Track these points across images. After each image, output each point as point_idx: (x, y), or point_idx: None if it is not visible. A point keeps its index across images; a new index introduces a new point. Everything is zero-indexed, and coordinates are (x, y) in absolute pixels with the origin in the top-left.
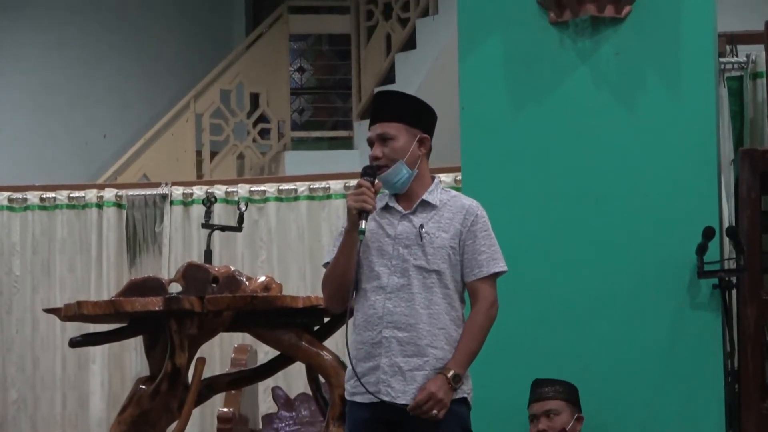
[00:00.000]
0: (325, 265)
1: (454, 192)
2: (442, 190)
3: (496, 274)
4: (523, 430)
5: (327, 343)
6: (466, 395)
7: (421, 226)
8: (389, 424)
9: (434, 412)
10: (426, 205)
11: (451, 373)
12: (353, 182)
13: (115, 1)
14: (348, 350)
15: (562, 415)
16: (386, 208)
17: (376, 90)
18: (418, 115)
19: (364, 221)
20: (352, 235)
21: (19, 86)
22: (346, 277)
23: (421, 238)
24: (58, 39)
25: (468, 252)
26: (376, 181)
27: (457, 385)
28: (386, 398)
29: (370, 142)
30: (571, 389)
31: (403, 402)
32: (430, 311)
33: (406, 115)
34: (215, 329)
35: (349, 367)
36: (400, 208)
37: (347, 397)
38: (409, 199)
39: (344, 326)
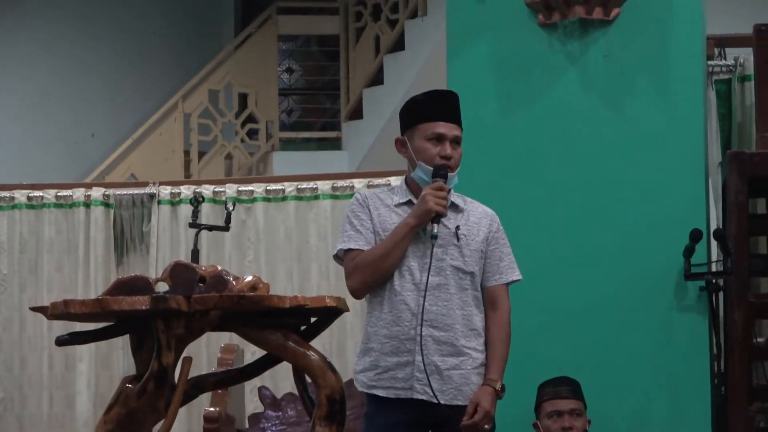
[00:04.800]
0: (342, 251)
1: (467, 197)
2: (456, 194)
3: (512, 282)
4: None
5: (314, 343)
6: None
7: (458, 227)
8: (419, 425)
9: (486, 427)
10: (454, 207)
11: (498, 385)
12: (341, 183)
13: (105, 1)
14: (422, 344)
15: (583, 417)
16: (411, 204)
17: (364, 90)
18: None
19: (436, 225)
20: (415, 231)
21: (8, 86)
22: (393, 269)
23: (458, 239)
24: (47, 38)
25: (491, 257)
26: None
27: (503, 395)
28: (423, 397)
29: (440, 137)
30: (582, 392)
31: (441, 401)
32: (464, 312)
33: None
34: (202, 329)
35: (367, 359)
36: None
37: (363, 389)
38: None
39: (330, 326)
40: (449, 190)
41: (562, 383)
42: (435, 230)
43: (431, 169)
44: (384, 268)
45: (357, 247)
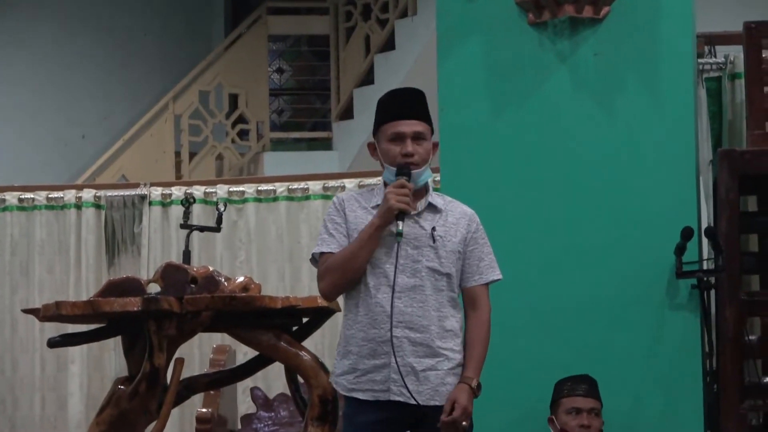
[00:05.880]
0: (318, 255)
1: (447, 197)
2: (435, 194)
3: (493, 282)
4: (503, 428)
5: (306, 343)
6: None
7: (434, 228)
8: (396, 424)
9: (464, 424)
10: (432, 208)
11: (474, 383)
12: (332, 183)
13: (95, 2)
14: (392, 345)
15: (599, 418)
16: None
17: (354, 90)
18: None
19: (401, 222)
20: (381, 231)
21: None
22: (361, 271)
23: (434, 241)
24: (37, 40)
25: (470, 258)
26: (410, 181)
27: (479, 394)
28: (400, 398)
29: (400, 136)
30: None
31: (418, 402)
32: (440, 314)
33: (429, 118)
34: (194, 330)
35: (345, 362)
36: None
37: (344, 393)
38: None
39: (322, 327)
40: (426, 186)
41: (583, 381)
42: (400, 227)
43: (395, 168)
44: (352, 269)
45: (329, 250)
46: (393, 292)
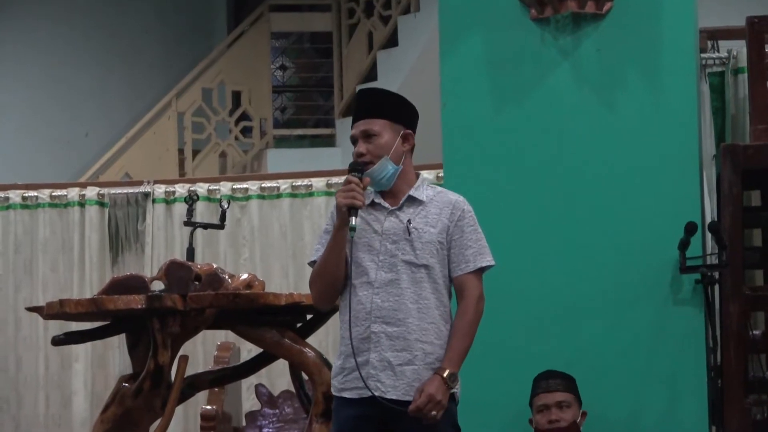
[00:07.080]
0: (312, 263)
1: (439, 188)
2: (427, 186)
3: (483, 269)
4: (503, 426)
5: (310, 340)
6: (455, 391)
7: (409, 221)
8: (377, 420)
9: (433, 413)
10: (413, 201)
11: (446, 373)
12: (335, 180)
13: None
14: (352, 344)
15: (572, 408)
16: (372, 204)
17: (358, 87)
18: (401, 111)
19: (354, 218)
20: (342, 232)
21: (1, 85)
22: (337, 275)
23: (409, 233)
24: (39, 37)
25: (455, 247)
26: (364, 177)
27: (453, 385)
28: (376, 393)
29: (354, 140)
30: (575, 384)
31: (393, 397)
32: (419, 306)
33: (389, 111)
34: (198, 327)
35: (338, 363)
36: (386, 204)
37: (335, 393)
38: (395, 195)
39: (326, 323)
40: (416, 179)
41: (550, 377)
42: (352, 223)
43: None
44: (328, 275)
45: (316, 259)
46: (351, 287)
